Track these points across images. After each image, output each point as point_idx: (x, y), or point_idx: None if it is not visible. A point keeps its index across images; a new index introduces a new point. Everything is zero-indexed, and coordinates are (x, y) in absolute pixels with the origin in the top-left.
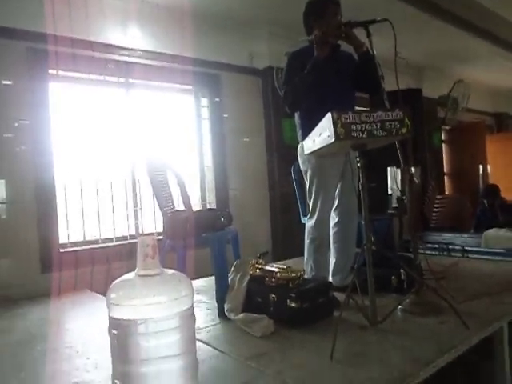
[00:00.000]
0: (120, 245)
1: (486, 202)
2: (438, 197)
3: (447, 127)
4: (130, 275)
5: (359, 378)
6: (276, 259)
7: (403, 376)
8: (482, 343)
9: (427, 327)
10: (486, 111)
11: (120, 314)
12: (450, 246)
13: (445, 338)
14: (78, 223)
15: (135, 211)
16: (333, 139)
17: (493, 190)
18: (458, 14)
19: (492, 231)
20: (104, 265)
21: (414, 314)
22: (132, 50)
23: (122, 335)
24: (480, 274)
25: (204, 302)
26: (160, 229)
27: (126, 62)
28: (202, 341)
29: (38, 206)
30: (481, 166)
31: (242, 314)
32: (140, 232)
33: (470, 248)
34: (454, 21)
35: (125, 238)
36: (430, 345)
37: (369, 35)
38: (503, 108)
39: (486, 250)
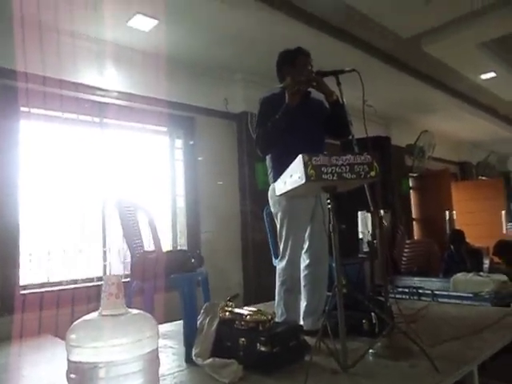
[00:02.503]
0: (86, 287)
1: (452, 247)
2: (407, 241)
3: (415, 174)
4: (93, 315)
5: None
6: (247, 303)
7: None
8: None
9: (398, 371)
10: (451, 160)
11: (80, 356)
12: (420, 290)
13: (416, 382)
14: (42, 264)
15: (104, 252)
16: (303, 180)
17: (458, 235)
18: (419, 69)
19: (460, 275)
20: (69, 308)
21: (385, 357)
22: (107, 90)
23: (80, 380)
24: (449, 318)
25: (171, 347)
26: (128, 271)
27: (100, 103)
28: None
29: (0, 245)
30: (447, 212)
31: (210, 359)
32: (107, 274)
33: (439, 292)
34: (417, 74)
35: (91, 279)
36: None
37: (338, 84)
38: (466, 157)
39: (455, 293)
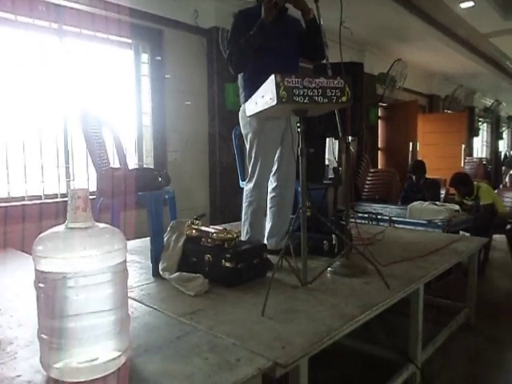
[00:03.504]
0: (49, 203)
1: (413, 177)
2: (371, 170)
3: (384, 104)
4: (59, 228)
5: (288, 332)
6: (213, 223)
7: (329, 330)
8: (401, 302)
9: (353, 287)
10: (421, 92)
11: (48, 267)
12: (379, 216)
13: (368, 297)
14: (2, 179)
15: (66, 168)
16: (275, 102)
17: (419, 166)
18: None
19: (416, 204)
20: (34, 223)
21: (342, 275)
22: None
23: (49, 289)
24: (403, 242)
25: (138, 262)
26: (94, 188)
27: (58, 6)
28: (134, 299)
29: None
30: (411, 144)
31: (176, 274)
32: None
33: (396, 218)
34: None
35: (55, 196)
36: (355, 302)
37: (316, 0)
38: (436, 90)
39: (410, 220)
